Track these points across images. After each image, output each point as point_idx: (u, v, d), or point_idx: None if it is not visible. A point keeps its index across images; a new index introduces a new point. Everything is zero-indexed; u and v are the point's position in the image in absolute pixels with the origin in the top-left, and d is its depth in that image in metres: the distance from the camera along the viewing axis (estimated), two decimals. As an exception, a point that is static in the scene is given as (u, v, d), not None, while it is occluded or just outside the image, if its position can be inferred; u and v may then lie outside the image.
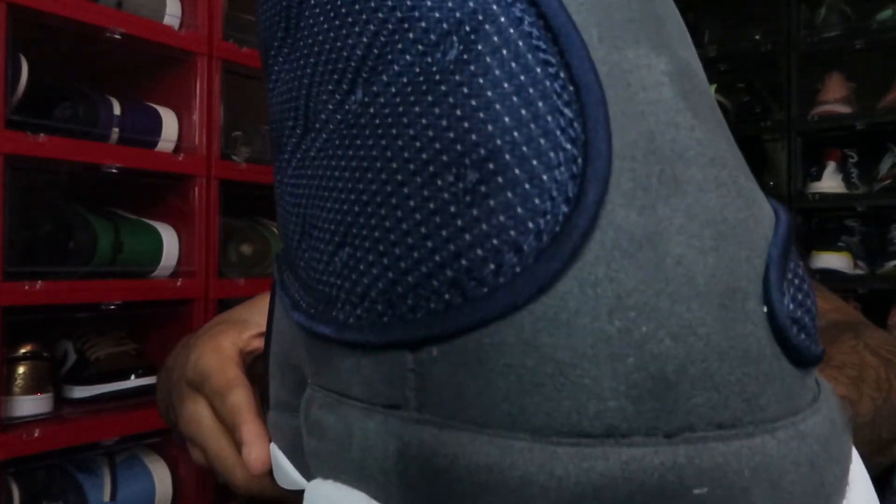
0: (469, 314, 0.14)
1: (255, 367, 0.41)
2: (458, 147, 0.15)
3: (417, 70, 0.16)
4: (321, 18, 0.19)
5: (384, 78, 0.17)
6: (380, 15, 0.17)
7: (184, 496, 1.34)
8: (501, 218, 0.15)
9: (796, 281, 0.17)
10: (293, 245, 0.20)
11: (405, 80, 0.16)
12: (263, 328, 0.39)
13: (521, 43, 0.16)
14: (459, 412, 0.14)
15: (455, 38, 0.16)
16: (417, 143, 0.16)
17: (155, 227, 1.36)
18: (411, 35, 0.17)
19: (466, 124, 0.15)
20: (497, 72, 0.16)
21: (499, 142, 0.15)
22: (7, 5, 1.10)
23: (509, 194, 0.15)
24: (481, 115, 0.15)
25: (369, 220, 0.16)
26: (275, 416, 0.29)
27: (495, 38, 0.16)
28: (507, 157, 0.15)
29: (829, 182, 2.20)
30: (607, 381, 0.14)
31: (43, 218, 1.28)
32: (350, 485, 0.15)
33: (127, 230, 1.31)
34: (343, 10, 0.18)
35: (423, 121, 0.16)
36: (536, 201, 0.15)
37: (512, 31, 0.16)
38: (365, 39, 0.17)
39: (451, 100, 0.16)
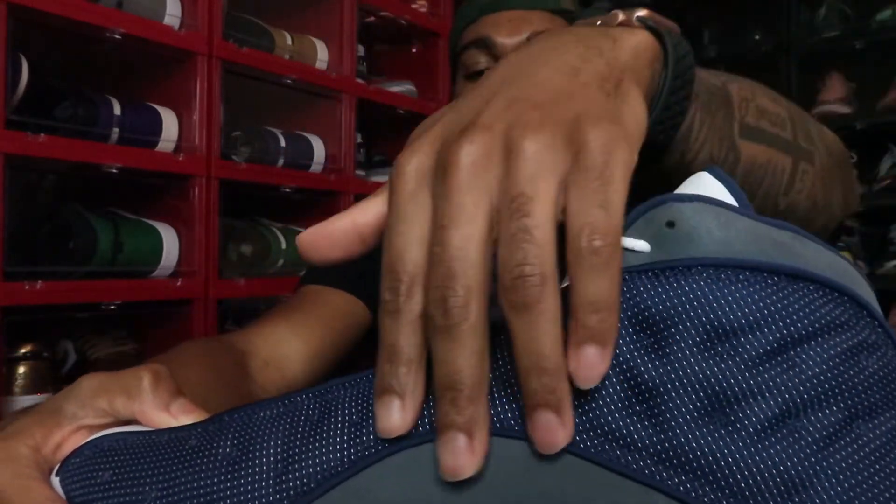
0: None
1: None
2: None
3: None
4: None
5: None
6: None
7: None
8: None
9: None
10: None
11: None
12: (85, 421, 0.32)
13: None
14: None
15: None
16: None
17: (155, 227, 1.36)
18: None
19: None
20: None
21: None
22: (7, 5, 1.10)
23: None
24: None
25: None
26: None
27: None
28: None
29: (829, 182, 2.20)
30: None
31: (43, 218, 1.28)
32: None
33: (127, 230, 1.32)
34: None
35: None
36: None
37: None
38: None
39: None
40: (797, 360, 0.25)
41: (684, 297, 0.26)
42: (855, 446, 0.24)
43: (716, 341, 0.25)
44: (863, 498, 0.23)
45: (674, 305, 0.26)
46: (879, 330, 0.26)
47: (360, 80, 1.72)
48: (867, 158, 2.23)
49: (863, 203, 2.16)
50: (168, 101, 1.39)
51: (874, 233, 2.19)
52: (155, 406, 0.32)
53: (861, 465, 0.24)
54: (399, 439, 0.26)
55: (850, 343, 0.25)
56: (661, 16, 0.36)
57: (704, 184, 0.29)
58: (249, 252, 1.54)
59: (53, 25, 1.20)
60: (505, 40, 0.80)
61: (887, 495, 0.24)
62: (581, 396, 0.26)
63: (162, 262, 1.35)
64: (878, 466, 0.24)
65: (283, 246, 1.57)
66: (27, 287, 1.13)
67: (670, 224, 0.27)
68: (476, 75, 0.82)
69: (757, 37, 2.37)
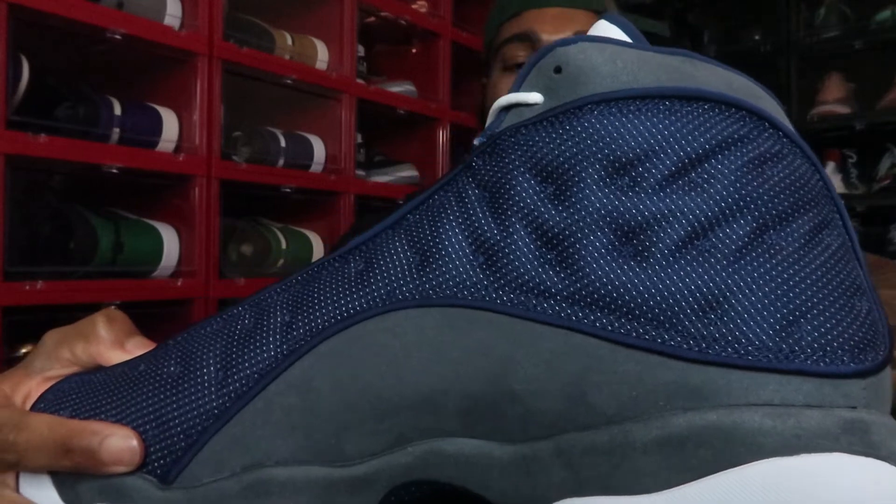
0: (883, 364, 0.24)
1: None
2: None
3: None
4: None
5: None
6: None
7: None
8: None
9: None
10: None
11: None
12: (52, 373, 0.34)
13: None
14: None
15: None
16: None
17: (155, 227, 1.36)
18: None
19: None
20: None
21: None
22: (8, 5, 1.10)
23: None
24: None
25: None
26: (285, 471, 0.27)
27: None
28: None
29: (829, 182, 2.20)
30: None
31: (43, 218, 1.28)
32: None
33: (127, 230, 1.32)
34: None
35: None
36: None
37: None
38: None
39: None
40: (699, 179, 0.25)
41: (578, 138, 0.26)
42: (767, 255, 0.24)
43: (615, 175, 0.25)
44: (778, 304, 0.23)
45: (569, 148, 0.26)
46: (784, 140, 0.26)
47: (360, 81, 1.72)
48: (867, 158, 2.23)
49: (862, 203, 2.16)
50: (168, 102, 1.39)
51: (874, 233, 2.19)
52: (111, 345, 0.34)
53: (775, 273, 0.24)
54: (325, 329, 0.28)
55: (752, 155, 0.25)
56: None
57: (601, 30, 0.29)
58: (250, 252, 1.55)
59: (54, 26, 1.20)
60: (549, 36, 0.81)
61: (803, 298, 0.24)
62: (493, 256, 0.26)
63: (162, 263, 1.35)
64: (791, 272, 0.24)
65: (284, 246, 1.57)
66: (28, 287, 1.13)
67: (558, 70, 0.27)
68: (516, 68, 0.83)
69: (757, 37, 2.37)
